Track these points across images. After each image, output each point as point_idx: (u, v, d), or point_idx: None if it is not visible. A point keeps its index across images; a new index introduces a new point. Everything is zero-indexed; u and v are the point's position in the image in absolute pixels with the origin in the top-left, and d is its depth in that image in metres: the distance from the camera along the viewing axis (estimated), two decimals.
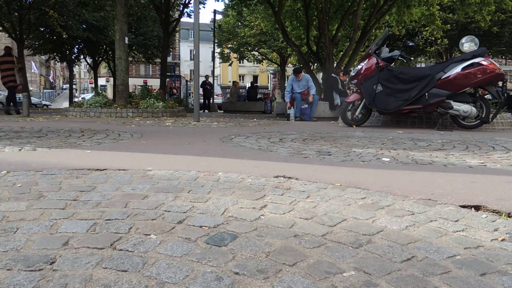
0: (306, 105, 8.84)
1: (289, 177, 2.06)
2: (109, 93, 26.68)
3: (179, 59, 47.87)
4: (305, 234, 1.21)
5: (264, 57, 28.26)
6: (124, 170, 2.19)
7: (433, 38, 17.88)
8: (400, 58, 6.30)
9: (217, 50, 27.34)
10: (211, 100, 20.55)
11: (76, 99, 28.79)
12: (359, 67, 6.42)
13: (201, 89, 18.21)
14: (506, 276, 0.95)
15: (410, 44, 6.59)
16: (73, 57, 23.43)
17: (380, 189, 1.83)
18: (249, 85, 21.36)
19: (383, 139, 4.26)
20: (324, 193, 1.74)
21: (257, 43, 24.98)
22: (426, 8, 13.53)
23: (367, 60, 6.34)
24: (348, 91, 9.75)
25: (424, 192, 1.79)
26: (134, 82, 30.24)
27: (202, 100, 18.84)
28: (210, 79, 20.86)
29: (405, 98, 6.00)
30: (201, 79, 19.10)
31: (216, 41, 25.32)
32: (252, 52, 27.23)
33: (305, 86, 8.95)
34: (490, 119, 5.92)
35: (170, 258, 1.01)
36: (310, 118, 8.76)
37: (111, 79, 25.43)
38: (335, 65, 12.89)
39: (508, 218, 1.43)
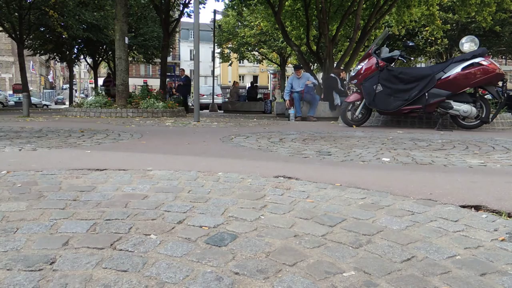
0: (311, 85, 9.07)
1: (289, 177, 2.06)
2: None
3: (179, 59, 47.84)
4: (305, 234, 1.21)
5: (264, 57, 28.25)
6: (124, 170, 2.19)
7: (433, 38, 17.89)
8: (400, 58, 6.30)
9: (217, 50, 27.31)
10: (212, 100, 20.53)
11: (76, 99, 28.79)
12: (359, 67, 6.42)
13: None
14: (506, 276, 0.95)
15: (410, 44, 6.59)
16: (73, 57, 23.43)
17: (380, 189, 1.83)
18: (249, 85, 21.35)
19: (383, 139, 4.26)
20: (324, 193, 1.74)
21: (257, 43, 24.98)
22: (426, 8, 13.54)
23: (367, 60, 6.34)
24: (348, 91, 9.76)
25: (424, 192, 1.79)
26: (134, 82, 30.25)
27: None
28: (210, 79, 20.83)
29: (405, 98, 6.00)
30: (201, 79, 19.06)
31: (216, 41, 25.31)
32: (252, 52, 27.22)
33: (305, 84, 8.97)
34: (490, 119, 5.92)
35: (170, 258, 1.01)
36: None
37: None
38: (335, 65, 12.89)
39: (508, 218, 1.43)
